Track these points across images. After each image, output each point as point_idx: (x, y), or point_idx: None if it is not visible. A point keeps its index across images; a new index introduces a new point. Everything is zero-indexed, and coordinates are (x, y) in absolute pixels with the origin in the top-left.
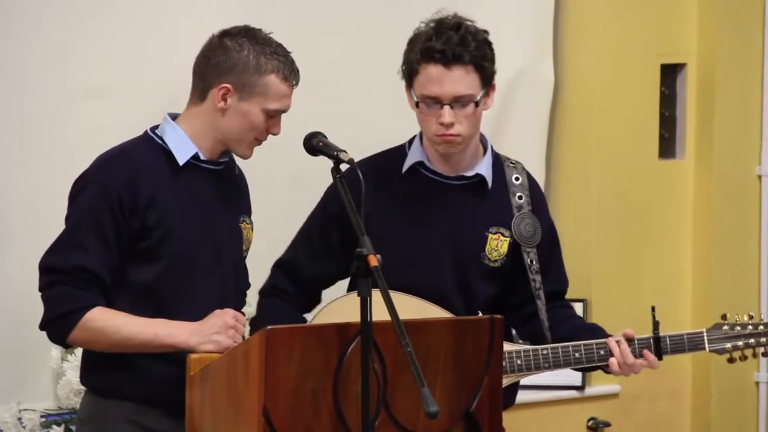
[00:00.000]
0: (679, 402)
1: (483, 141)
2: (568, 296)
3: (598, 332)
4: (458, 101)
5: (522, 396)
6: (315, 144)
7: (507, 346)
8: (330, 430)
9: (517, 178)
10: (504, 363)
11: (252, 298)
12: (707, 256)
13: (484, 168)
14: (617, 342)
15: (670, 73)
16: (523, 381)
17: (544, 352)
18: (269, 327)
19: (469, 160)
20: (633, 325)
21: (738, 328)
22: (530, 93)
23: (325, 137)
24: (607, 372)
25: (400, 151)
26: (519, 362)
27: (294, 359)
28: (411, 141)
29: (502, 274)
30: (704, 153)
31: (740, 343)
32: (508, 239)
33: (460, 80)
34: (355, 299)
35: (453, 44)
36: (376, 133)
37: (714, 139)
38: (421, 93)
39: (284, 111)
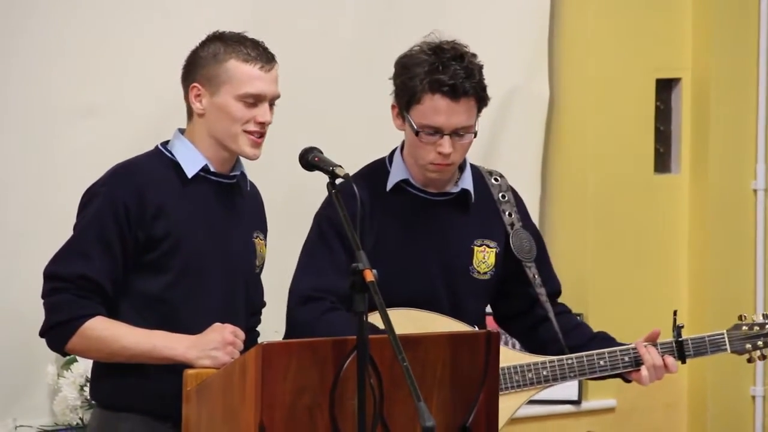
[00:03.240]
0: (676, 415)
1: None
2: None
3: (612, 341)
4: (458, 132)
5: (518, 410)
6: (311, 159)
7: (532, 358)
8: None
9: (503, 196)
10: (531, 374)
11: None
12: (703, 271)
13: (467, 183)
14: (645, 347)
15: (665, 87)
16: None
17: (569, 361)
18: (265, 342)
19: (451, 176)
20: (629, 339)
21: (756, 327)
22: (525, 108)
23: (321, 152)
24: (627, 381)
25: (381, 168)
26: (545, 372)
27: (290, 375)
28: (391, 157)
29: (491, 288)
30: (699, 167)
31: (759, 342)
32: (494, 250)
33: (464, 113)
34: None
35: (461, 78)
36: (370, 149)
37: (709, 153)
38: (422, 122)
39: (261, 95)
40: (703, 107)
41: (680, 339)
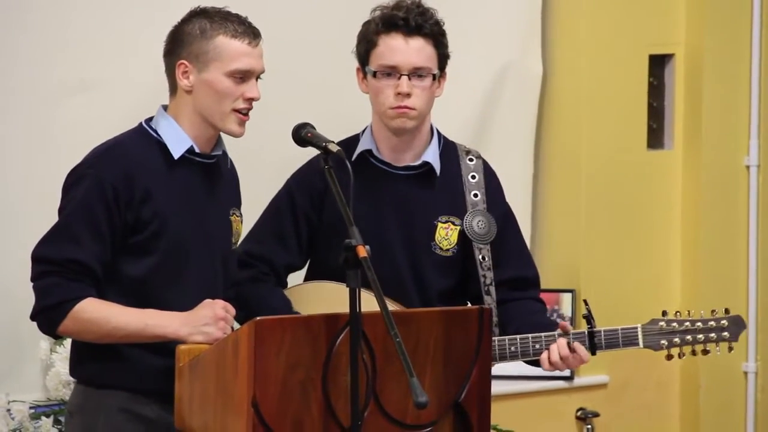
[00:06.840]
0: (668, 392)
1: (431, 130)
2: (556, 286)
3: (546, 329)
4: (416, 73)
5: (510, 386)
6: (303, 135)
7: None
8: (319, 421)
9: (473, 176)
10: None
11: None
12: (695, 246)
13: (431, 156)
14: (557, 337)
15: (659, 63)
16: (511, 371)
17: None
18: (258, 318)
19: (417, 149)
20: (621, 315)
21: (674, 324)
22: (519, 85)
23: (314, 128)
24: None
25: (353, 140)
26: None
27: (283, 350)
28: (364, 130)
29: (455, 265)
30: (692, 143)
31: (676, 339)
32: (458, 228)
33: (420, 51)
34: (316, 287)
35: (414, 14)
36: (361, 125)
37: (702, 129)
38: (379, 63)
39: (250, 71)
40: (696, 83)
41: (592, 329)
